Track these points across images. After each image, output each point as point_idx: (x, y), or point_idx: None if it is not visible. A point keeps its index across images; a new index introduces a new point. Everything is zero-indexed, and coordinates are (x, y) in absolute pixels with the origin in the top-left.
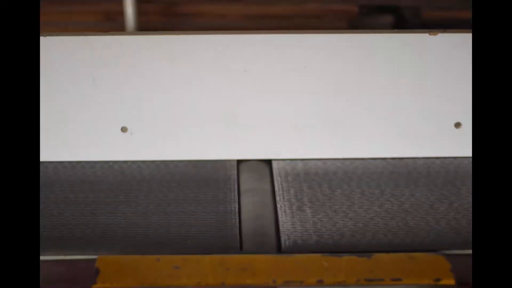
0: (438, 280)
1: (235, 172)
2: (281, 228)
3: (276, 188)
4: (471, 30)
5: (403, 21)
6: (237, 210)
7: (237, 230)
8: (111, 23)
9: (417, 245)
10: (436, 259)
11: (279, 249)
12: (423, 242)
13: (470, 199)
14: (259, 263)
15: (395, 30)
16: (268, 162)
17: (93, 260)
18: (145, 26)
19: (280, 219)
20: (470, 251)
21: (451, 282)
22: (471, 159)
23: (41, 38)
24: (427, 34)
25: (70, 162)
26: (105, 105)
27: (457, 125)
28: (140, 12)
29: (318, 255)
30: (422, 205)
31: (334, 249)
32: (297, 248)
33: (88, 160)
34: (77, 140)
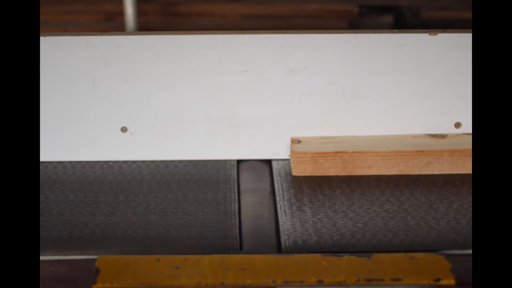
0: (438, 280)
1: (235, 172)
2: (281, 228)
3: (276, 188)
4: (471, 30)
5: (403, 21)
6: (237, 210)
7: (237, 230)
8: (111, 23)
9: (417, 245)
10: (436, 259)
11: (279, 249)
12: (423, 242)
13: (470, 199)
14: (259, 263)
15: (395, 30)
16: (268, 162)
17: (93, 260)
18: (145, 26)
19: (280, 219)
20: (470, 251)
21: (451, 282)
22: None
23: (41, 38)
24: (427, 34)
25: (70, 162)
26: (105, 105)
27: (457, 125)
28: (140, 12)
29: (318, 255)
30: (422, 205)
31: (334, 249)
32: (297, 248)
33: (88, 160)
34: (77, 140)
